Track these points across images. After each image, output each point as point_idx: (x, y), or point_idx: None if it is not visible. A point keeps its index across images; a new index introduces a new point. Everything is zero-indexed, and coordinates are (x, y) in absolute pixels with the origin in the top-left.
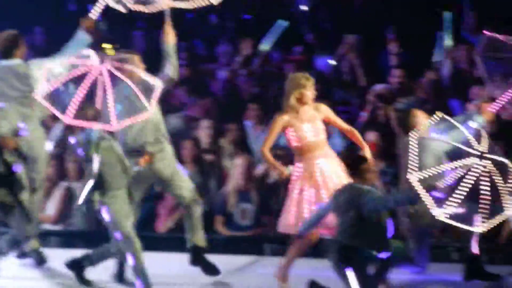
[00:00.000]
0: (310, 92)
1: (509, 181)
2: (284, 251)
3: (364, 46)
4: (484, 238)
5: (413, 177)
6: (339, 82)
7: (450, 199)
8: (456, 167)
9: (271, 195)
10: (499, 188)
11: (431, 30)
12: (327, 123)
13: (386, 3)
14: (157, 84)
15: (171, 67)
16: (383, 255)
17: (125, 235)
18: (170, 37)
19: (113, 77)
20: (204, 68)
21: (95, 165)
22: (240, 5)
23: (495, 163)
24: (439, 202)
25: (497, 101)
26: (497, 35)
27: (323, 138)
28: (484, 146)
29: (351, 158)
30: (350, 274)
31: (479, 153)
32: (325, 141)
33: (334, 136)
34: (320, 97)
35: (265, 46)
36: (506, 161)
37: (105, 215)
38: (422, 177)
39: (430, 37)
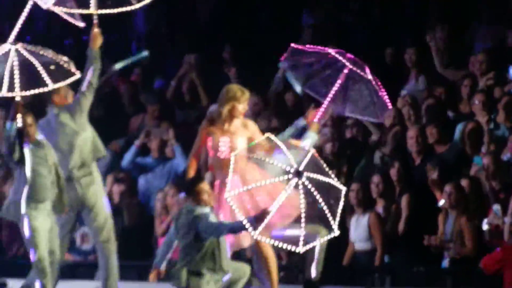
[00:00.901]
0: (242, 105)
1: (331, 201)
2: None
3: (204, 65)
4: (328, 259)
5: (229, 196)
6: (179, 102)
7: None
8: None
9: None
10: (322, 207)
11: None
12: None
13: (226, 23)
14: None
15: (93, 72)
16: (226, 277)
17: (38, 258)
18: (96, 42)
19: None
20: None
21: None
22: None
23: (317, 182)
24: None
25: (319, 109)
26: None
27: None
28: (304, 164)
29: (188, 180)
30: None
31: (296, 171)
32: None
33: (177, 156)
34: (160, 118)
35: (117, 66)
36: (328, 180)
37: (25, 229)
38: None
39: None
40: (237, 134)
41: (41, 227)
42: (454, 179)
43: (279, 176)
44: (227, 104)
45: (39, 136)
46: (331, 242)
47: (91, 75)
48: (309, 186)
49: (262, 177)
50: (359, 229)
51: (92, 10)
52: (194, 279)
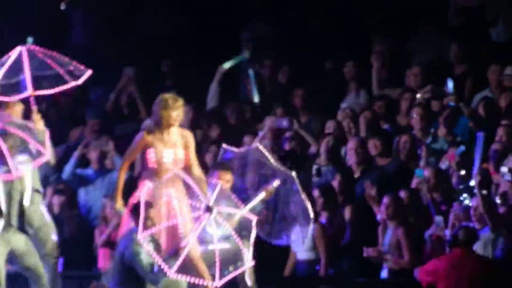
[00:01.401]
0: (176, 113)
1: (244, 232)
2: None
3: (142, 78)
4: (269, 269)
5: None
6: (118, 115)
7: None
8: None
9: None
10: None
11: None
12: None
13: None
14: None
15: (49, 152)
16: None
17: None
18: (40, 124)
19: None
20: None
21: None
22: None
23: (227, 215)
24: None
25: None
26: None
27: (181, 167)
28: (214, 198)
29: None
30: None
31: (206, 207)
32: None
33: (117, 168)
34: (100, 132)
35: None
36: (238, 211)
37: None
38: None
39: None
40: (177, 145)
41: None
42: (393, 190)
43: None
44: (161, 113)
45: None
46: (272, 252)
47: (49, 155)
48: (220, 220)
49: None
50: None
51: (30, 92)
52: None
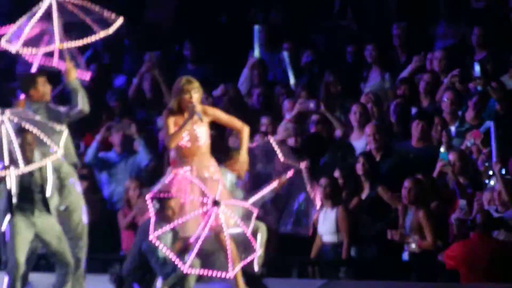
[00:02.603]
0: (192, 96)
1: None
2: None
3: (164, 63)
4: (296, 252)
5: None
6: (140, 101)
7: None
8: None
9: None
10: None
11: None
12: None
13: (183, 20)
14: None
15: (81, 101)
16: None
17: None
18: (71, 75)
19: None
20: None
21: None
22: None
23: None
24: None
25: None
26: None
27: (200, 145)
28: (219, 193)
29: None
30: None
31: (213, 201)
32: (203, 148)
33: (140, 150)
34: (121, 116)
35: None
36: (241, 203)
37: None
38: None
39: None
40: (198, 123)
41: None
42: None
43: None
44: (178, 95)
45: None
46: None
47: (82, 104)
48: (228, 212)
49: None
50: (327, 223)
51: (58, 45)
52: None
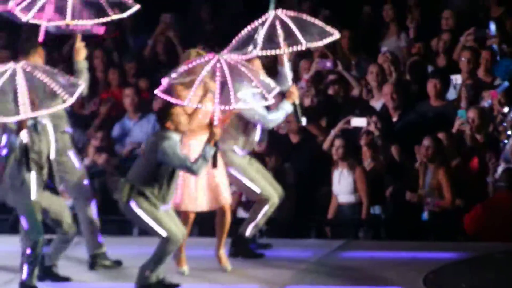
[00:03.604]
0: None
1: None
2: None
3: (181, 24)
4: (313, 213)
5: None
6: (155, 62)
7: None
8: None
9: None
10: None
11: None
12: None
13: None
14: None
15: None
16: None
17: None
18: (81, 54)
19: None
20: None
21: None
22: None
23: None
24: None
25: None
26: None
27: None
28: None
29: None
30: (134, 205)
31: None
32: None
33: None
34: (137, 77)
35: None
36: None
37: None
38: None
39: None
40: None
41: None
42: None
43: None
44: None
45: None
46: (314, 196)
47: (81, 87)
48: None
49: None
50: (344, 183)
51: (68, 21)
52: (139, 198)
